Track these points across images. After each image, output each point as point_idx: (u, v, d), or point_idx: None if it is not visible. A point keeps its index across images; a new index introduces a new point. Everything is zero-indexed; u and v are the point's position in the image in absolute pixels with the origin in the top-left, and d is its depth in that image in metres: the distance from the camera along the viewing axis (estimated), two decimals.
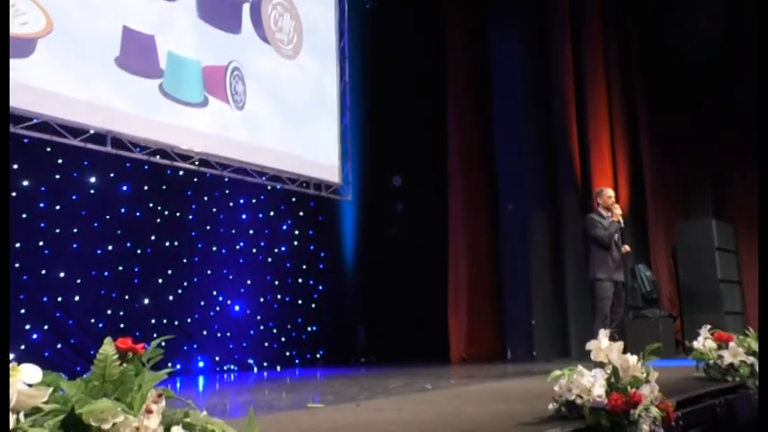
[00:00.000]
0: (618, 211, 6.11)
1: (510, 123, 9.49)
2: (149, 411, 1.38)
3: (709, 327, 4.36)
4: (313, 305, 8.93)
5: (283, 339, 8.40)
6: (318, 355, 8.79)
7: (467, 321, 9.30)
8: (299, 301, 8.75)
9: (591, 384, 2.53)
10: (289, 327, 8.52)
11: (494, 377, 5.60)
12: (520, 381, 5.00)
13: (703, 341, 4.25)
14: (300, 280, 8.83)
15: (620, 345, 2.71)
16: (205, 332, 7.50)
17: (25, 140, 5.74)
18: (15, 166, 6.00)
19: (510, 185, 9.44)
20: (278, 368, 7.99)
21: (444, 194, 9.65)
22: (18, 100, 5.29)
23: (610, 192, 6.28)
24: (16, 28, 5.30)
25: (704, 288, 8.55)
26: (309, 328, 8.81)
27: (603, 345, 2.75)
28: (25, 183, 6.08)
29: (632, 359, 2.67)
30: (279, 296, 8.48)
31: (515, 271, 9.26)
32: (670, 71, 9.32)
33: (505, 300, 9.42)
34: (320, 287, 9.09)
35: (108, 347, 1.43)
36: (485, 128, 9.72)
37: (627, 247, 6.20)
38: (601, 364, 2.69)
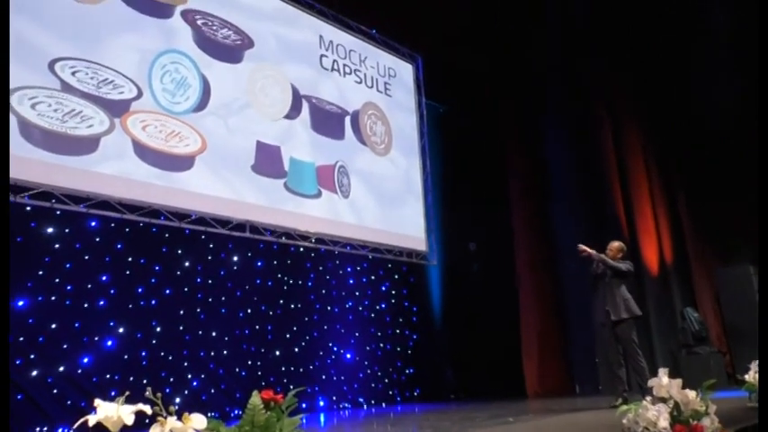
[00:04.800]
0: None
1: (564, 193, 9.28)
2: None
3: (757, 361, 4.00)
4: (409, 351, 8.79)
5: (386, 381, 8.27)
6: (416, 393, 8.59)
7: (538, 361, 8.91)
8: (398, 349, 8.64)
9: (656, 418, 2.36)
10: (390, 370, 8.40)
11: (566, 410, 5.28)
12: (590, 414, 4.69)
13: (753, 374, 3.90)
14: (398, 331, 8.75)
15: (678, 381, 2.53)
16: (324, 377, 7.49)
17: (186, 231, 6.04)
18: (179, 251, 6.35)
19: (568, 245, 9.12)
20: (383, 405, 7.84)
21: (512, 255, 9.44)
22: (181, 202, 5.65)
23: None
24: (181, 149, 5.71)
25: (748, 326, 7.88)
26: (407, 371, 8.66)
27: (664, 382, 2.57)
28: (186, 263, 6.37)
29: (691, 394, 2.48)
30: (381, 345, 8.41)
31: (577, 317, 8.86)
32: (698, 139, 8.88)
33: (571, 342, 8.98)
34: (414, 336, 8.97)
35: (256, 399, 1.47)
36: (543, 196, 9.52)
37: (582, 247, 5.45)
38: (663, 399, 2.52)
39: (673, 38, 8.91)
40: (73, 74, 5.06)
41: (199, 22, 6.20)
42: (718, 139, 8.70)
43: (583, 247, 5.52)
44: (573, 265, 8.95)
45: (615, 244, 5.66)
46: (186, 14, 6.10)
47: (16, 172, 4.58)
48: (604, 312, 5.39)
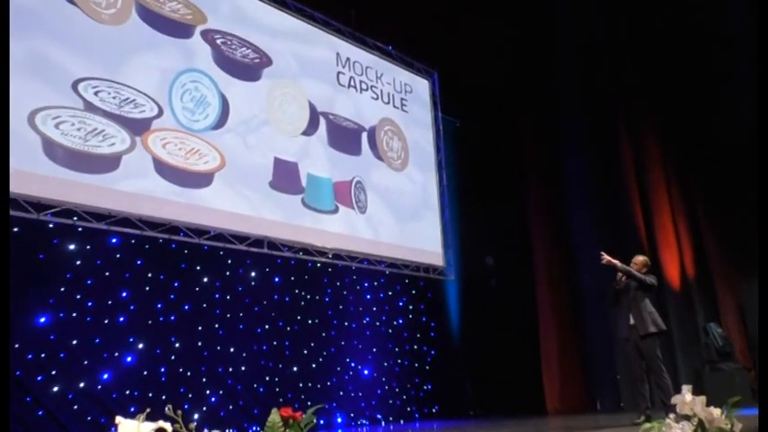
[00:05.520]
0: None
1: (582, 207, 9.20)
2: None
3: None
4: (427, 367, 8.73)
5: (404, 397, 8.21)
6: (434, 410, 8.51)
7: (558, 377, 8.78)
8: (416, 364, 8.59)
9: None
10: (408, 386, 8.34)
11: (588, 428, 5.18)
12: (612, 431, 4.61)
13: None
14: (416, 346, 8.70)
15: (703, 398, 2.47)
16: (341, 393, 7.46)
17: (205, 248, 6.10)
18: (198, 267, 6.40)
19: (586, 257, 9.02)
20: (401, 422, 7.78)
21: (530, 269, 9.38)
22: (200, 218, 5.71)
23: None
24: (200, 166, 5.78)
25: None
26: (425, 387, 8.59)
27: (687, 399, 2.52)
28: (205, 279, 6.42)
29: (716, 411, 2.42)
30: (399, 360, 8.36)
31: (597, 331, 8.72)
32: (718, 152, 8.73)
33: (591, 357, 8.84)
34: (432, 352, 8.91)
35: (275, 416, 1.47)
36: (561, 210, 9.45)
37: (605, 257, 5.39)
38: (686, 417, 2.46)
39: (692, 50, 8.83)
40: (95, 93, 5.17)
41: (218, 42, 6.30)
42: (738, 151, 8.56)
43: (606, 258, 5.40)
44: (592, 278, 8.85)
45: (640, 258, 5.59)
46: (206, 34, 6.21)
47: (40, 190, 4.68)
48: (628, 327, 5.30)
